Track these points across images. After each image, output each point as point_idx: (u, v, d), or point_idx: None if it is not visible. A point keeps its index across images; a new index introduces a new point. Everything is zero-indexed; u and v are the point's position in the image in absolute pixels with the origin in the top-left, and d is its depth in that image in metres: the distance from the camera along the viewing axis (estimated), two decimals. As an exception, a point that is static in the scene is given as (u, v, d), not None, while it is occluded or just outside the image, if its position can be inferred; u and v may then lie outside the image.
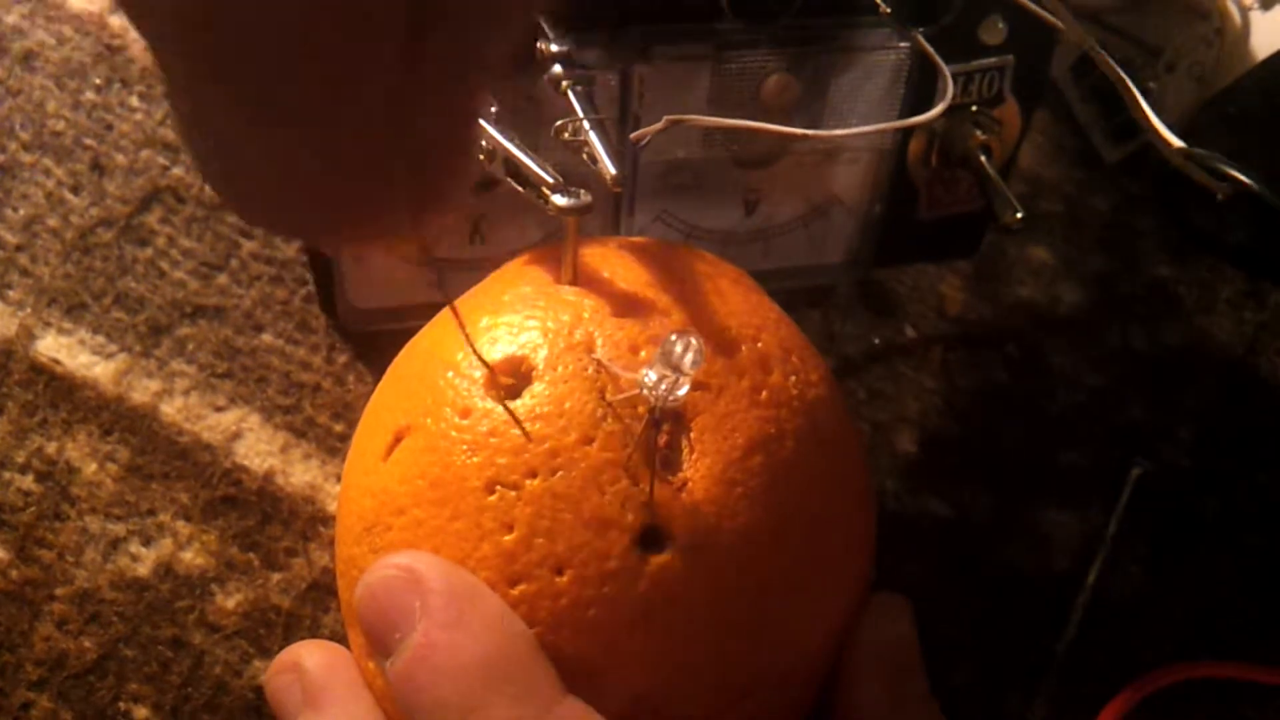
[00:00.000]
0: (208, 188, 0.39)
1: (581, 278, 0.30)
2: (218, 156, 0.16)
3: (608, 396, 0.27)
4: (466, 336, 0.27)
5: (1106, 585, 0.40)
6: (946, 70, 0.34)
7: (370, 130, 0.16)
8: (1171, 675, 0.39)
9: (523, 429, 0.27)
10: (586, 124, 0.30)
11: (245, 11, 0.14)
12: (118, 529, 0.36)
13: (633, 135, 0.33)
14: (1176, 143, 0.34)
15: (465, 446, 0.27)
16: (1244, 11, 0.42)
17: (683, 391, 0.26)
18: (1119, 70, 0.34)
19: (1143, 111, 0.34)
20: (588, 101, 0.31)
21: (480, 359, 0.28)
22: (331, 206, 0.17)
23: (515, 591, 0.26)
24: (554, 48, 0.31)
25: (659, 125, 0.31)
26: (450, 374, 0.28)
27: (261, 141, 0.15)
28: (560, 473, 0.26)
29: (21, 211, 0.38)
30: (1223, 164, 0.34)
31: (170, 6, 0.14)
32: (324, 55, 0.14)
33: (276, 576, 0.36)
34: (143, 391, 0.37)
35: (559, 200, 0.29)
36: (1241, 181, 0.34)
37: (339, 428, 0.38)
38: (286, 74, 0.14)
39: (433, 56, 0.16)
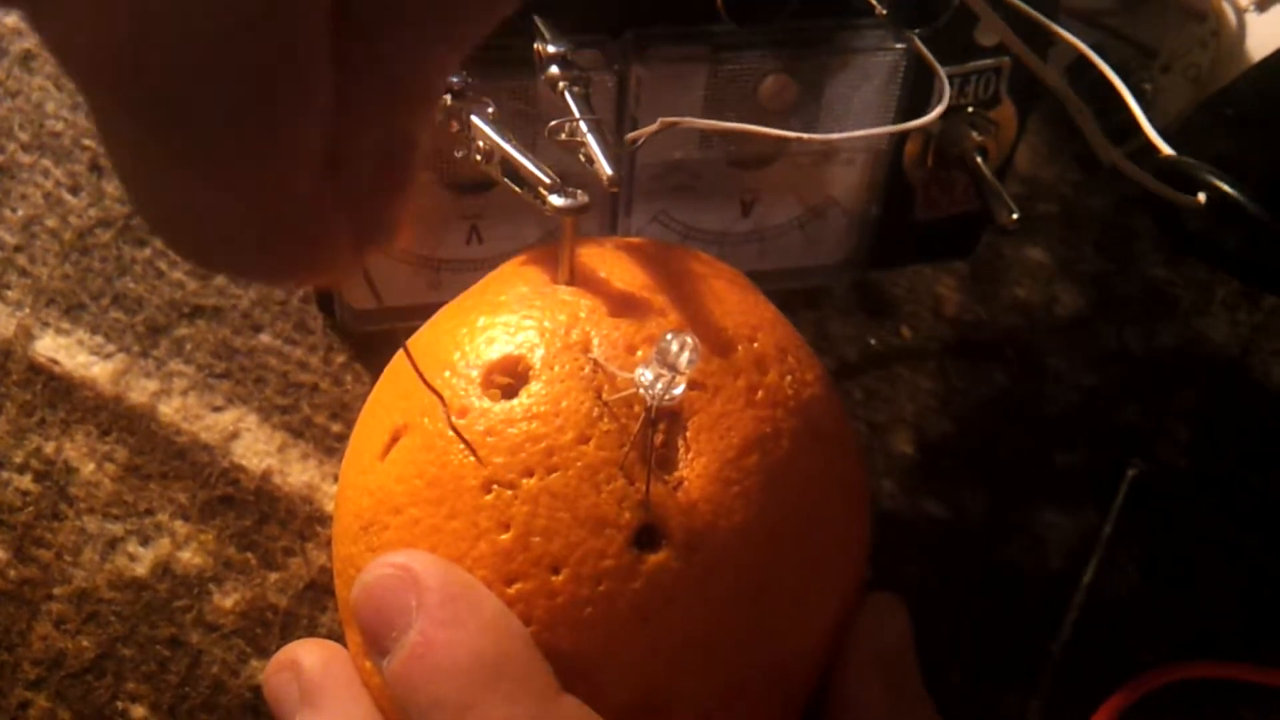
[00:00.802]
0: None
1: (578, 278, 0.30)
2: (147, 195, 0.16)
3: (604, 396, 0.27)
4: (421, 376, 0.27)
5: (1102, 586, 0.40)
6: (943, 73, 0.34)
7: (301, 169, 0.15)
8: (1167, 676, 0.39)
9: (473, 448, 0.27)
10: (583, 125, 0.31)
11: (161, 58, 0.13)
12: (116, 529, 0.36)
13: (629, 137, 0.33)
14: (1167, 150, 0.34)
15: (462, 446, 0.27)
16: (1240, 13, 0.42)
17: (679, 391, 0.27)
18: (1112, 75, 0.34)
19: (1133, 108, 0.34)
20: (584, 102, 0.31)
21: (440, 397, 0.28)
22: (264, 248, 0.16)
23: (512, 590, 0.26)
24: (551, 49, 0.31)
25: (654, 127, 0.31)
26: (447, 373, 0.28)
27: (188, 186, 0.15)
28: (557, 472, 0.26)
29: (20, 212, 0.38)
30: (1207, 173, 0.34)
31: (85, 54, 0.14)
32: (243, 90, 0.14)
33: (274, 576, 0.36)
34: (141, 391, 0.37)
35: (556, 201, 0.29)
36: (1226, 191, 0.34)
37: (336, 427, 0.38)
38: (207, 116, 0.14)
39: (364, 86, 0.16)
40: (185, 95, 0.14)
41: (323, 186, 0.16)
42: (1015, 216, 0.36)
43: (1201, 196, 0.34)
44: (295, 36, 0.14)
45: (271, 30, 0.14)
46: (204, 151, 0.14)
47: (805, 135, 0.33)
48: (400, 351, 0.32)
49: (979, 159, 0.37)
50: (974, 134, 0.38)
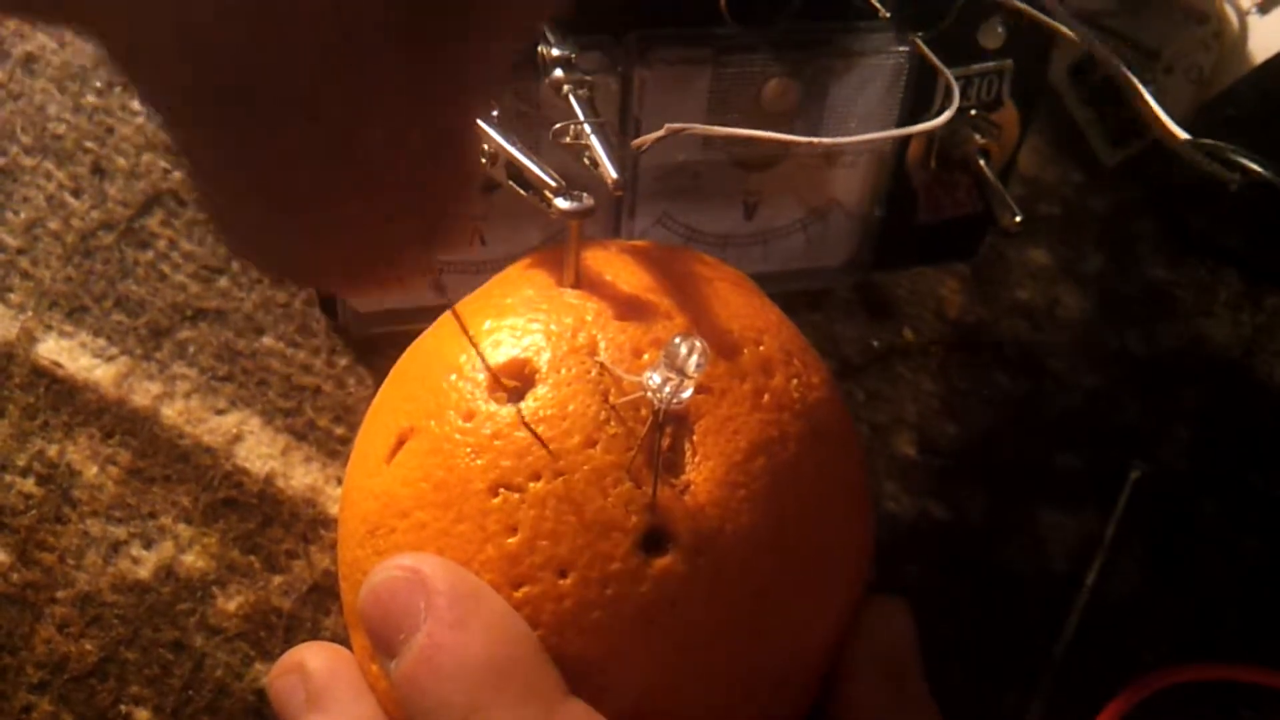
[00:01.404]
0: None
1: (584, 281, 0.30)
2: (227, 212, 0.16)
3: (611, 399, 0.27)
4: (469, 337, 0.27)
5: (1104, 587, 0.40)
6: (950, 75, 0.34)
7: (379, 177, 0.15)
8: (1170, 677, 0.39)
9: (541, 440, 0.27)
10: (587, 128, 0.31)
11: (252, 86, 0.13)
12: (119, 532, 0.36)
13: (634, 143, 0.33)
14: (1182, 135, 0.34)
15: (469, 449, 0.27)
16: (1241, 15, 0.42)
17: (686, 394, 0.27)
18: (1122, 67, 0.34)
19: (1147, 105, 0.34)
20: (589, 105, 0.31)
21: (484, 362, 0.28)
22: (343, 257, 0.17)
23: (519, 594, 0.26)
24: (555, 52, 0.31)
25: (659, 133, 0.31)
26: (453, 376, 0.28)
27: (272, 204, 0.15)
28: (564, 476, 0.26)
29: (23, 215, 0.38)
30: (1232, 153, 0.34)
31: (180, 86, 0.14)
32: (328, 109, 0.14)
33: (277, 579, 0.36)
34: (144, 394, 0.37)
35: (561, 203, 0.29)
36: (1252, 169, 0.34)
37: (340, 430, 0.38)
38: (292, 136, 0.14)
39: (436, 79, 0.16)
40: (259, 86, 0.14)
41: (397, 190, 0.16)
42: (1018, 219, 0.36)
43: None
44: (362, 23, 0.14)
45: (340, 18, 0.14)
46: (278, 154, 0.14)
47: (810, 140, 0.33)
48: (405, 354, 0.32)
49: (981, 161, 0.37)
50: (977, 136, 0.38)
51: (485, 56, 0.16)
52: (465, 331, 0.27)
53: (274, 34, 0.13)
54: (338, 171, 0.15)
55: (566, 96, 0.31)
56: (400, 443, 0.29)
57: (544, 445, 0.27)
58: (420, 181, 0.16)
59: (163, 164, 0.39)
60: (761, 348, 0.29)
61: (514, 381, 0.28)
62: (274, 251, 0.16)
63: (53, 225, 0.38)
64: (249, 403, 0.38)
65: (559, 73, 0.31)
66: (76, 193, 0.39)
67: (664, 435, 0.27)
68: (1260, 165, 0.34)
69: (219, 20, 0.13)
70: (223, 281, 0.39)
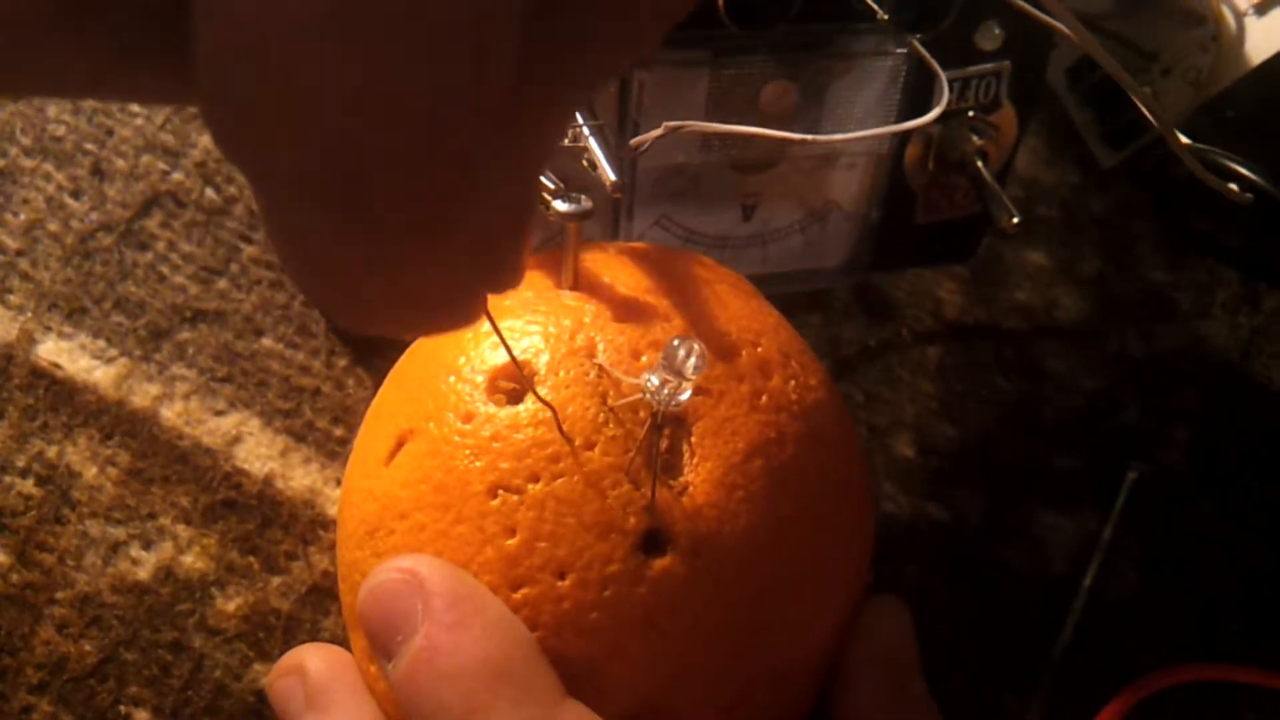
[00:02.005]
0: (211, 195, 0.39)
1: (582, 283, 0.30)
2: (310, 274, 0.16)
3: (609, 401, 0.27)
4: (494, 325, 0.27)
5: (1103, 588, 0.41)
6: (943, 75, 0.34)
7: (461, 238, 0.16)
8: (1168, 678, 0.39)
9: (561, 430, 0.27)
10: (586, 130, 0.31)
11: (368, 161, 0.13)
12: (118, 533, 0.36)
13: (632, 142, 0.33)
14: (1184, 139, 0.34)
15: (468, 451, 0.27)
16: (1239, 17, 0.42)
17: (684, 396, 0.27)
18: (1124, 72, 0.34)
19: (1144, 110, 0.35)
20: (587, 108, 0.31)
21: (506, 347, 0.27)
22: (421, 313, 0.17)
23: (517, 595, 0.26)
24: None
25: (657, 132, 0.32)
26: (452, 378, 0.28)
27: (355, 268, 0.15)
28: (562, 477, 0.26)
29: (22, 216, 0.38)
30: (1229, 160, 0.34)
31: (289, 167, 0.14)
32: (432, 189, 0.14)
33: (276, 580, 0.36)
34: (143, 395, 0.37)
35: (559, 206, 0.29)
36: (1248, 178, 0.34)
37: (339, 432, 0.38)
38: (393, 210, 0.14)
39: (526, 148, 0.16)
40: (374, 190, 0.14)
41: (467, 244, 0.16)
42: (1015, 220, 0.36)
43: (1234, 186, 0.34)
44: (489, 133, 0.14)
45: (473, 121, 0.14)
46: (381, 241, 0.14)
47: (806, 137, 0.33)
48: (404, 355, 0.32)
49: (979, 163, 0.38)
50: (974, 138, 0.38)
51: (560, 120, 0.17)
52: (495, 327, 0.27)
53: (399, 124, 0.13)
54: (424, 221, 0.15)
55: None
56: (399, 444, 0.29)
57: (559, 426, 0.27)
58: (493, 235, 0.17)
59: (162, 165, 0.39)
60: (759, 349, 0.30)
61: (513, 384, 0.28)
62: (351, 307, 0.16)
63: (52, 227, 0.38)
64: (248, 404, 0.38)
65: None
66: (76, 194, 0.39)
67: (662, 437, 0.27)
68: (1256, 173, 0.34)
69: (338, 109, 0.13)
70: (222, 283, 0.39)
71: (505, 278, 0.18)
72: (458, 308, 0.17)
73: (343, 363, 0.39)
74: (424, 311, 0.17)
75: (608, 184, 0.30)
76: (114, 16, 0.15)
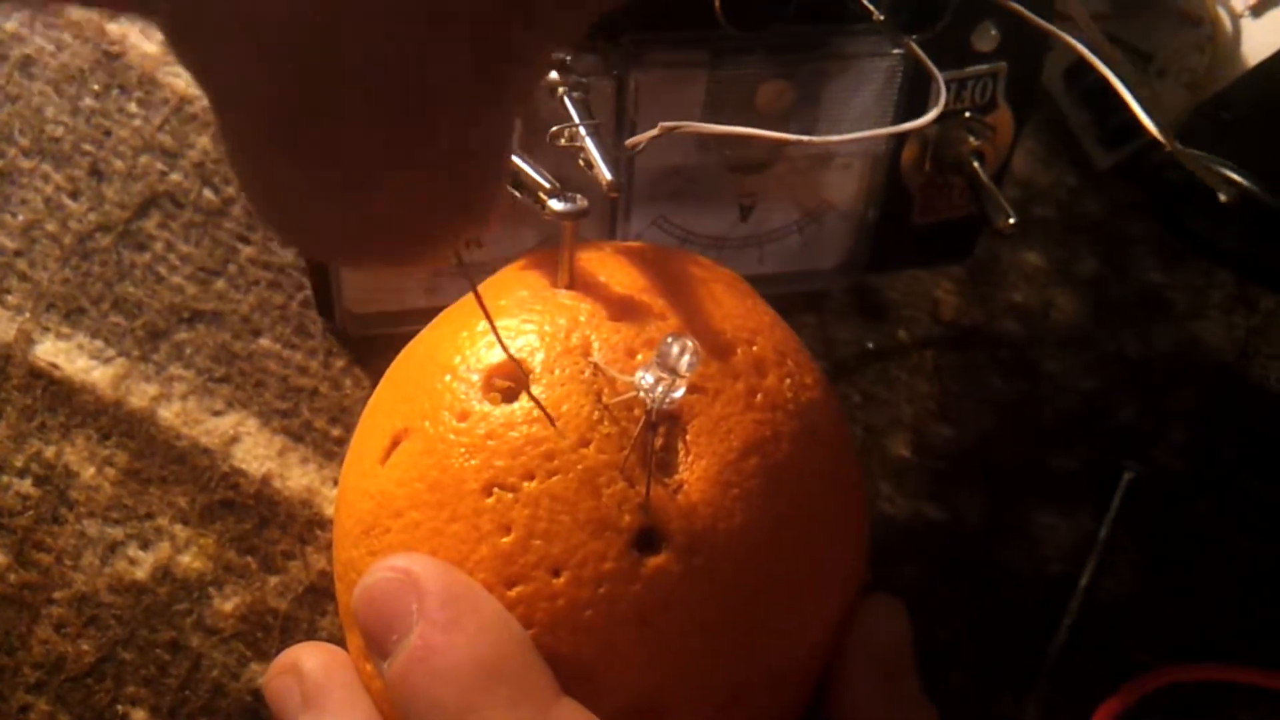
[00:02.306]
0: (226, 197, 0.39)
1: (578, 282, 0.30)
2: (266, 195, 0.16)
3: (604, 399, 0.27)
4: (487, 315, 0.27)
5: (1099, 588, 0.41)
6: (939, 76, 0.34)
7: (431, 160, 0.15)
8: (1164, 678, 0.39)
9: (549, 417, 0.27)
10: (582, 130, 0.31)
11: (332, 83, 0.13)
12: (116, 532, 0.36)
13: (628, 142, 0.33)
14: (1176, 144, 0.34)
15: (463, 449, 0.27)
16: (1235, 18, 0.42)
17: (679, 394, 0.27)
18: (1115, 69, 0.34)
19: (1138, 113, 0.35)
20: (584, 108, 0.31)
21: (499, 339, 0.27)
22: (378, 227, 0.17)
23: (512, 593, 0.26)
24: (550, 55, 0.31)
25: (654, 132, 0.32)
26: (448, 377, 0.29)
27: (314, 172, 0.15)
28: (557, 475, 0.27)
29: (20, 217, 0.38)
30: (1219, 165, 0.35)
31: (255, 92, 0.14)
32: (400, 101, 0.14)
33: (274, 580, 0.36)
34: (141, 396, 0.37)
35: (555, 205, 0.29)
36: (1238, 183, 0.34)
37: (336, 431, 0.38)
38: (355, 120, 0.14)
39: (501, 84, 0.16)
40: (340, 116, 0.14)
41: (439, 170, 0.16)
42: (1012, 221, 0.36)
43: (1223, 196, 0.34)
44: (459, 53, 0.14)
45: (440, 48, 0.14)
46: (348, 169, 0.14)
47: (802, 138, 0.33)
48: (400, 355, 0.32)
49: (976, 164, 0.38)
50: (971, 139, 0.38)
51: (539, 64, 0.17)
52: (488, 319, 0.27)
53: (368, 26, 0.13)
54: (391, 151, 0.15)
55: (562, 99, 0.31)
56: (395, 443, 0.29)
57: (551, 422, 0.27)
58: (463, 169, 0.17)
59: (160, 166, 0.39)
60: (755, 348, 0.30)
61: (508, 382, 0.28)
62: (307, 219, 0.16)
63: (50, 227, 0.38)
64: (246, 404, 0.38)
65: (554, 75, 0.32)
66: (74, 195, 0.39)
67: (657, 435, 0.27)
68: (1247, 179, 0.34)
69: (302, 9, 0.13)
70: (219, 283, 0.39)
71: (476, 215, 0.18)
72: (425, 242, 0.17)
73: (340, 363, 0.39)
74: (390, 243, 0.17)
75: (604, 184, 0.30)
76: None
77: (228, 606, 0.36)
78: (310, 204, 0.15)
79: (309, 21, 0.12)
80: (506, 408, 0.28)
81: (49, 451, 0.36)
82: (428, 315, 0.32)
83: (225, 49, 0.13)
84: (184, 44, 0.14)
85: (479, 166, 0.17)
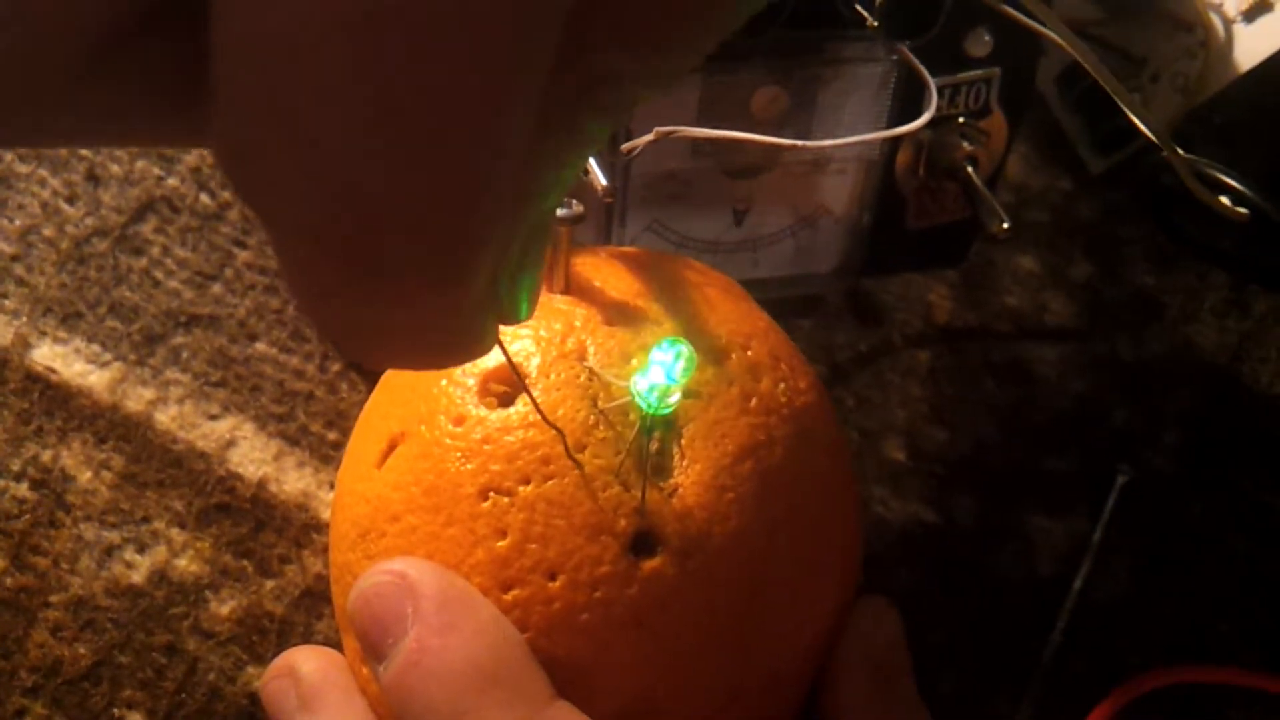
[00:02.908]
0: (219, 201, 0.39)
1: (573, 287, 0.30)
2: (316, 305, 0.16)
3: (600, 404, 0.27)
4: (502, 347, 0.27)
5: (1092, 591, 0.41)
6: (931, 81, 0.35)
7: (480, 288, 0.16)
8: (1157, 680, 0.39)
9: (547, 420, 0.27)
10: (578, 135, 0.31)
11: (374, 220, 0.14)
12: (112, 536, 0.36)
13: (623, 147, 0.33)
14: (1178, 150, 0.35)
15: (459, 453, 0.27)
16: (1228, 24, 0.42)
17: (674, 399, 0.27)
18: (1113, 80, 0.35)
19: (1133, 118, 0.35)
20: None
21: (503, 348, 0.27)
22: (435, 351, 0.17)
23: (508, 597, 0.26)
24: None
25: (649, 137, 0.32)
26: (444, 381, 0.29)
27: (368, 311, 0.15)
28: (553, 479, 0.27)
29: (17, 221, 0.38)
30: (1219, 171, 0.35)
31: (300, 217, 0.14)
32: (447, 245, 0.14)
33: (270, 583, 0.36)
34: (137, 400, 0.37)
35: (551, 210, 0.29)
36: (1238, 189, 0.34)
37: (332, 436, 0.38)
38: (405, 263, 0.14)
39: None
40: (384, 241, 0.14)
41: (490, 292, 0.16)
42: (1006, 225, 0.37)
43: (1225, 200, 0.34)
44: (504, 184, 0.14)
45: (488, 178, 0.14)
46: (392, 287, 0.15)
47: (797, 143, 0.33)
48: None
49: (970, 168, 0.38)
50: (965, 144, 0.38)
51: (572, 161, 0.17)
52: (505, 353, 0.27)
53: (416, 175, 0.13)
54: (437, 287, 0.15)
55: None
56: (391, 447, 0.29)
57: (551, 425, 0.27)
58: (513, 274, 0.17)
59: (156, 171, 0.40)
60: (749, 353, 0.30)
61: (504, 386, 0.28)
62: (366, 345, 0.17)
63: (47, 232, 0.39)
64: (242, 408, 0.38)
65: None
66: (71, 200, 0.39)
67: (652, 439, 0.27)
68: (1244, 184, 0.34)
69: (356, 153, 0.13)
70: (216, 288, 0.39)
71: (517, 315, 0.18)
72: (471, 344, 0.18)
73: (336, 367, 0.39)
74: (437, 348, 0.17)
75: (599, 189, 0.30)
76: (150, 66, 0.15)
77: (224, 610, 0.36)
78: (362, 320, 0.16)
79: (353, 151, 0.13)
80: (502, 412, 0.28)
81: (46, 455, 0.36)
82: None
83: (273, 173, 0.13)
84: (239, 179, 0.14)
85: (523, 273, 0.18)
